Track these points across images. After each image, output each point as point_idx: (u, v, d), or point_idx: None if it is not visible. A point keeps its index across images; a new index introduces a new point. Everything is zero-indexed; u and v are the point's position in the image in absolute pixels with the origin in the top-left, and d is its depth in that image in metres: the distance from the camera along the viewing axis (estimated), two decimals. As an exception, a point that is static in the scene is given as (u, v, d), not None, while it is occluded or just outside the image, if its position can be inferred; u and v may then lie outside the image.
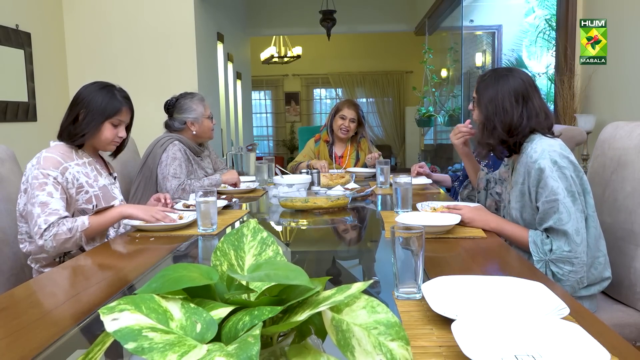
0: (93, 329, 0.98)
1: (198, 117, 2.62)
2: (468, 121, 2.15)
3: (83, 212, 1.82)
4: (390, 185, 2.32)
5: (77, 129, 1.84)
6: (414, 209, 1.94)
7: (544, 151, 1.55)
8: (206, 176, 2.68)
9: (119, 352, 0.82)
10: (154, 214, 1.77)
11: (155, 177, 2.52)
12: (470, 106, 2.74)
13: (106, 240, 1.87)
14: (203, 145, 2.78)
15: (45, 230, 1.65)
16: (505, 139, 1.66)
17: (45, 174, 1.73)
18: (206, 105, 2.69)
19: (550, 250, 1.51)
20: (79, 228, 1.69)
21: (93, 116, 1.84)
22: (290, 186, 2.38)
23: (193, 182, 2.50)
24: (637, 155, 1.63)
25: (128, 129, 1.99)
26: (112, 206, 1.80)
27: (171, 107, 2.65)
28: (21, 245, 1.81)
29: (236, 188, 2.64)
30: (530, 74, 1.74)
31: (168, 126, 2.66)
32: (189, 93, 2.70)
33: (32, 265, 1.81)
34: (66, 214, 1.72)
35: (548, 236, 1.54)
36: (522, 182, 1.63)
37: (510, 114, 1.64)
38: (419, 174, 2.79)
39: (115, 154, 2.04)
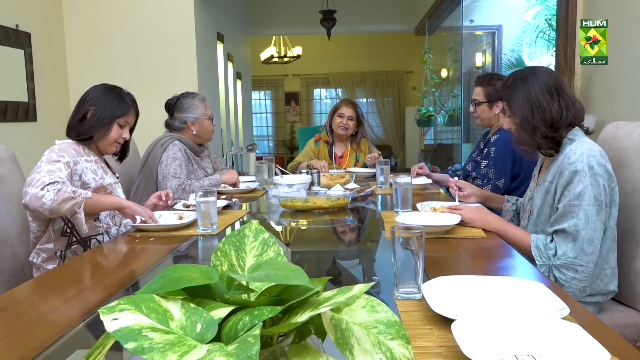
0: (93, 329, 0.98)
1: (199, 117, 2.62)
2: (451, 182, 2.11)
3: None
4: (390, 185, 2.31)
5: (84, 126, 1.86)
6: (414, 209, 1.94)
7: (583, 154, 1.50)
8: (206, 176, 2.68)
9: (119, 352, 0.82)
10: (147, 212, 1.78)
11: (155, 177, 2.52)
12: (472, 109, 2.75)
13: (107, 236, 1.87)
14: (203, 145, 2.78)
15: (49, 184, 1.63)
16: (550, 135, 1.59)
17: (60, 155, 1.76)
18: (207, 105, 2.69)
19: (555, 255, 1.50)
20: (82, 194, 1.70)
21: (102, 114, 1.87)
22: (290, 186, 2.38)
23: (193, 182, 2.50)
24: (637, 155, 1.63)
25: (130, 132, 2.01)
26: (111, 194, 1.83)
27: (172, 106, 2.65)
28: (37, 247, 1.81)
29: (236, 188, 2.64)
30: (552, 69, 1.70)
31: (168, 125, 2.66)
32: (191, 93, 2.70)
33: (34, 260, 1.81)
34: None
35: (552, 240, 1.53)
36: (551, 181, 1.60)
37: (548, 109, 1.58)
38: (418, 175, 2.79)
39: (121, 157, 2.07)
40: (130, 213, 1.78)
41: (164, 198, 1.98)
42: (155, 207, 1.98)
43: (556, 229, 1.52)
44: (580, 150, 1.52)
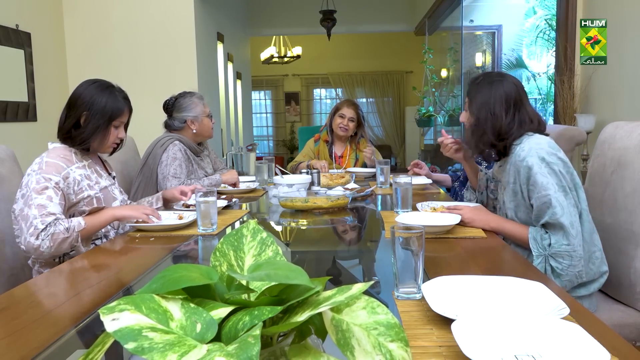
0: (93, 329, 0.98)
1: (198, 115, 2.62)
2: (443, 131, 2.25)
3: (84, 214, 1.81)
4: (390, 185, 2.31)
5: (81, 135, 1.81)
6: (414, 209, 1.94)
7: (531, 149, 1.57)
8: (206, 176, 2.68)
9: (119, 352, 0.82)
10: (144, 211, 1.78)
11: (155, 177, 2.52)
12: (465, 107, 2.76)
13: (106, 240, 1.87)
14: (202, 145, 2.78)
15: (42, 230, 1.62)
16: (494, 142, 1.68)
17: (47, 178, 1.70)
18: (205, 103, 2.69)
19: (550, 244, 1.52)
20: (76, 228, 1.67)
21: (97, 120, 1.81)
22: (290, 186, 2.38)
23: (193, 182, 2.50)
24: (637, 155, 1.63)
25: (125, 127, 1.97)
26: (103, 208, 1.81)
27: (170, 106, 2.65)
28: (22, 247, 1.80)
29: (236, 188, 2.64)
30: (520, 81, 1.77)
31: (168, 126, 2.66)
32: (188, 92, 2.70)
33: (30, 264, 1.80)
34: (62, 216, 1.70)
35: (547, 231, 1.55)
36: (514, 182, 1.64)
37: (500, 119, 1.66)
38: (417, 174, 2.79)
39: (112, 152, 2.03)
40: (128, 219, 1.79)
41: (189, 193, 2.03)
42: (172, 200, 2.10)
43: (542, 224, 1.55)
44: (527, 146, 1.59)
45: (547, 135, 1.69)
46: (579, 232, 1.51)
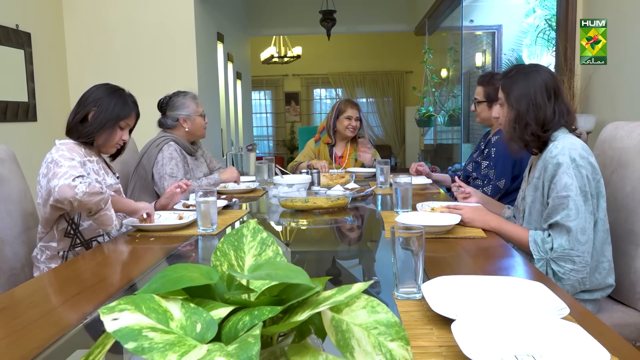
0: (93, 329, 0.98)
1: (190, 114, 2.63)
2: (458, 180, 2.14)
3: None
4: (390, 185, 2.32)
5: (86, 128, 1.84)
6: (414, 209, 1.94)
7: (565, 148, 1.53)
8: (204, 176, 2.69)
9: (119, 352, 0.82)
10: (151, 212, 1.82)
11: (150, 177, 2.52)
12: (472, 107, 2.74)
13: (106, 240, 1.87)
14: (196, 145, 2.78)
15: (78, 176, 1.63)
16: (539, 134, 1.62)
17: (72, 154, 1.74)
18: (198, 103, 2.70)
19: (551, 248, 1.50)
20: (108, 192, 1.71)
21: (105, 117, 1.85)
22: (290, 186, 2.38)
23: (191, 182, 2.50)
24: (637, 155, 1.63)
25: (130, 132, 2.00)
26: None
27: (164, 105, 2.67)
28: (52, 199, 1.72)
29: (236, 187, 2.65)
30: (553, 71, 1.72)
31: (161, 124, 2.67)
32: (182, 91, 2.71)
33: (37, 256, 1.80)
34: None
35: (549, 235, 1.54)
36: (538, 177, 1.62)
37: (543, 109, 1.61)
38: (418, 174, 2.79)
39: (114, 156, 2.05)
40: (142, 212, 1.80)
41: (184, 187, 2.04)
42: (173, 197, 2.09)
43: (550, 223, 1.53)
44: (561, 144, 1.55)
45: (579, 135, 1.66)
46: (590, 239, 1.49)
